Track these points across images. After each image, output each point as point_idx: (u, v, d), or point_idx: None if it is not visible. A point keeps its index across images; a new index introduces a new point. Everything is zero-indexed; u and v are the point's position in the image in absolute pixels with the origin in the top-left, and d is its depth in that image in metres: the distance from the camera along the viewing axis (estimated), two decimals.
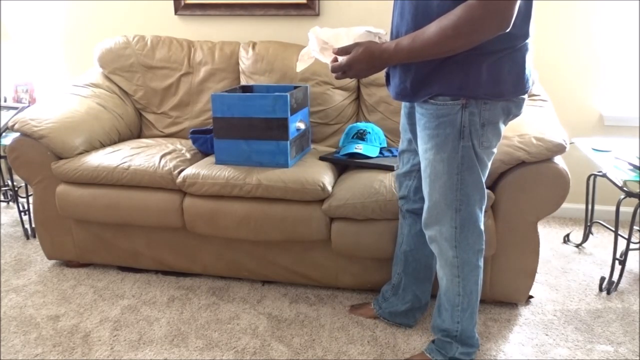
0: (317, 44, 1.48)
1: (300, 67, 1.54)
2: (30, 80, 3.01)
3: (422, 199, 1.64)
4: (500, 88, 1.33)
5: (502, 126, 1.41)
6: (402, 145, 1.69)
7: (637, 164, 1.99)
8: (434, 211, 1.47)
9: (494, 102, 1.35)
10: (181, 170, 2.07)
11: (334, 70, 1.43)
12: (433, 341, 1.63)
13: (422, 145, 1.45)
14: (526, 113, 2.03)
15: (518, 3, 1.18)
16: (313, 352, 1.74)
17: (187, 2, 2.81)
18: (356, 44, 1.40)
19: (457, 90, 1.33)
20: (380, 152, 2.19)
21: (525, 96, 1.41)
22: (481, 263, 1.52)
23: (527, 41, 1.34)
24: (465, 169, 1.40)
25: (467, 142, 1.38)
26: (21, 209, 2.70)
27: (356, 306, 1.97)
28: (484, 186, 1.45)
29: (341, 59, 1.42)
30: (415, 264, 1.76)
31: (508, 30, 1.21)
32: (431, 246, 1.54)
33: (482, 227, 1.49)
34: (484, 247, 1.51)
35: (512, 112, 1.40)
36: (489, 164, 1.46)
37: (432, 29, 1.25)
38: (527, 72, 1.37)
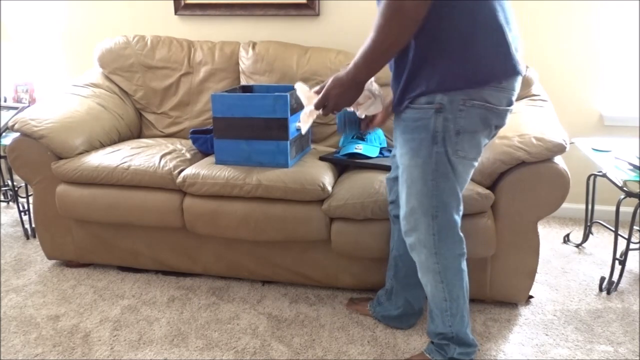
0: (304, 94, 1.53)
1: (304, 128, 1.57)
2: (30, 80, 3.01)
3: None
4: (479, 75, 1.30)
5: (482, 139, 1.39)
6: (394, 150, 1.70)
7: (637, 164, 1.99)
8: (412, 218, 1.47)
9: (471, 107, 1.32)
10: (181, 170, 2.07)
11: (316, 106, 1.46)
12: (432, 342, 1.63)
13: (398, 150, 1.46)
14: (526, 113, 2.03)
15: None
16: (313, 352, 1.74)
17: (187, 2, 2.82)
18: (330, 77, 1.44)
19: (436, 86, 1.31)
20: (380, 152, 2.19)
21: (509, 108, 1.38)
22: (464, 266, 1.51)
23: (496, 24, 1.29)
24: (440, 176, 1.39)
25: (441, 148, 1.36)
26: (21, 209, 2.70)
27: (355, 300, 1.97)
28: (460, 195, 1.44)
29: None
30: (405, 269, 1.75)
31: (423, 14, 1.23)
32: (412, 254, 1.53)
33: (461, 232, 1.48)
34: (465, 251, 1.50)
35: (491, 122, 1.37)
36: (467, 178, 1.44)
37: (369, 34, 1.29)
38: (508, 53, 1.31)
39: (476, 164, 1.44)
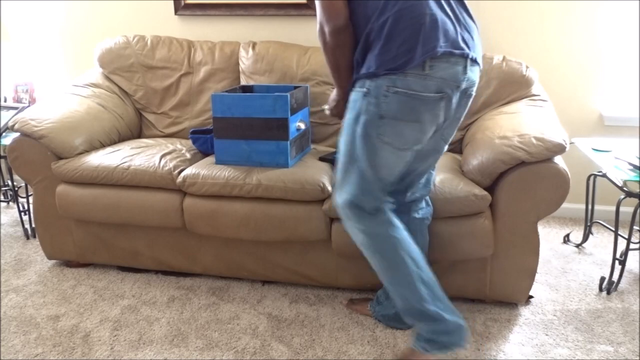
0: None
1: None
2: (30, 80, 3.01)
3: (391, 194, 1.71)
4: (397, 60, 1.38)
5: (407, 129, 1.45)
6: None
7: (637, 164, 1.99)
8: (339, 189, 1.59)
9: (395, 94, 1.40)
10: (181, 170, 2.07)
11: (330, 114, 1.78)
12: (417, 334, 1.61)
13: None
14: (526, 113, 2.03)
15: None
16: (313, 352, 1.74)
17: (187, 2, 2.82)
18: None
19: (365, 72, 1.45)
20: None
21: (438, 95, 1.41)
22: (395, 233, 1.54)
23: (416, 15, 1.38)
24: (358, 156, 1.50)
25: (361, 129, 1.47)
26: (21, 209, 2.70)
27: (355, 301, 1.97)
28: (375, 179, 1.51)
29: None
30: None
31: (339, 34, 1.47)
32: (345, 227, 1.63)
33: (384, 206, 1.56)
34: (387, 217, 1.56)
35: (420, 110, 1.42)
36: (395, 166, 1.51)
37: None
38: (428, 39, 1.37)
39: (405, 154, 1.50)
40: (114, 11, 2.93)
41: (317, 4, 1.47)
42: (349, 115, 1.51)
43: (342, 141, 1.55)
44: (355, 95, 1.49)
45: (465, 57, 1.42)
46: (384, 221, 1.55)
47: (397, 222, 1.58)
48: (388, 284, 1.57)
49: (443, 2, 1.44)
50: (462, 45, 1.42)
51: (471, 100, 1.56)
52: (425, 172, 1.71)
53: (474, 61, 1.47)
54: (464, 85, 1.46)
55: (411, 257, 1.54)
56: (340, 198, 1.58)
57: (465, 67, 1.44)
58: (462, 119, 1.60)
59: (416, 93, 1.40)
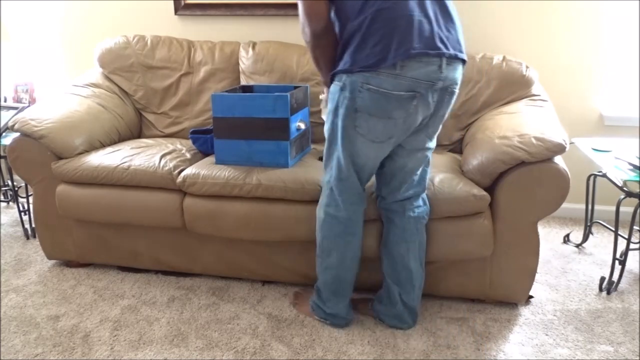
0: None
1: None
2: (30, 80, 3.01)
3: (385, 193, 1.79)
4: (369, 59, 1.45)
5: (379, 124, 1.53)
6: None
7: (637, 164, 1.99)
8: (324, 167, 1.72)
9: (367, 90, 1.47)
10: (181, 170, 2.07)
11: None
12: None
13: None
14: (526, 113, 2.03)
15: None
16: (313, 352, 1.74)
17: (187, 2, 2.82)
18: None
19: (341, 67, 1.52)
20: None
21: (410, 94, 1.47)
22: (347, 234, 1.71)
23: (393, 19, 1.42)
24: (339, 144, 1.61)
25: (339, 120, 1.57)
26: (21, 209, 2.70)
27: (356, 300, 1.97)
28: (350, 164, 1.63)
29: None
30: (393, 262, 1.78)
31: (318, 39, 1.54)
32: None
33: (352, 207, 1.70)
34: (337, 213, 1.70)
35: (389, 107, 1.49)
36: (370, 156, 1.60)
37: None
38: (403, 41, 1.42)
39: (380, 146, 1.59)
40: (114, 11, 2.93)
41: (299, 5, 1.51)
42: (329, 106, 1.62)
43: (326, 128, 1.67)
44: (334, 88, 1.58)
45: (440, 56, 1.44)
46: (345, 219, 1.70)
47: (358, 229, 1.74)
48: (316, 257, 1.80)
49: (425, 1, 1.46)
50: (439, 44, 1.44)
51: (454, 97, 1.59)
52: (417, 169, 1.72)
53: (454, 58, 1.48)
54: (440, 84, 1.49)
55: (343, 256, 1.74)
56: (324, 177, 1.74)
57: (440, 67, 1.46)
58: (446, 116, 1.63)
59: (387, 91, 1.46)
